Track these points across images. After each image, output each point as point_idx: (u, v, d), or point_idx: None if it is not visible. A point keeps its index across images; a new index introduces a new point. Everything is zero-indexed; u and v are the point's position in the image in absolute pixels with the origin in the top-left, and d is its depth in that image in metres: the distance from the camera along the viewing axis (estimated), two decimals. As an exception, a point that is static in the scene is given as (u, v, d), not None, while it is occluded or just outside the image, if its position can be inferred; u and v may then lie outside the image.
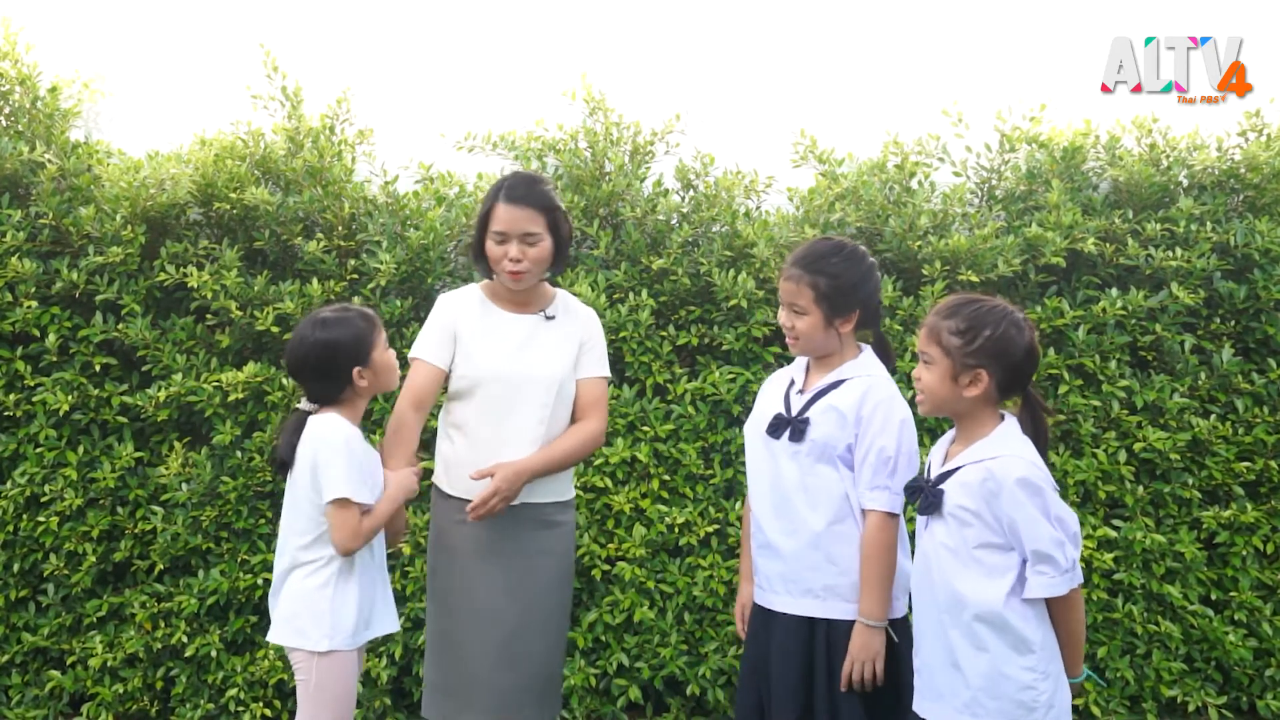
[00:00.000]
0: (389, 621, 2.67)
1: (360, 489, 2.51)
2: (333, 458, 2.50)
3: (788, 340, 2.61)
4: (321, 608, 2.52)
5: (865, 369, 2.56)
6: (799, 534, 2.53)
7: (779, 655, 2.56)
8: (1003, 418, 2.26)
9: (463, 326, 2.77)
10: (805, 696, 2.52)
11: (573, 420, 2.81)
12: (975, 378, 2.20)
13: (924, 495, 2.26)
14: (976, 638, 2.18)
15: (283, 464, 2.59)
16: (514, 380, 2.72)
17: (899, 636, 2.49)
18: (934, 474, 2.29)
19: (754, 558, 2.66)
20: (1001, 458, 2.16)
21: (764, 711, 2.60)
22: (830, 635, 2.51)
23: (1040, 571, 2.13)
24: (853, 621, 2.47)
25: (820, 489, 2.51)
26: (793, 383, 2.64)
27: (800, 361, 2.68)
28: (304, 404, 2.62)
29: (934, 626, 2.26)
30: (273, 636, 2.60)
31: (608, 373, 2.88)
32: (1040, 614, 2.17)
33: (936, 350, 2.24)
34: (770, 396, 2.67)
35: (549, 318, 2.81)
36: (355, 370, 2.57)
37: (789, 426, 2.54)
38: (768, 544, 2.59)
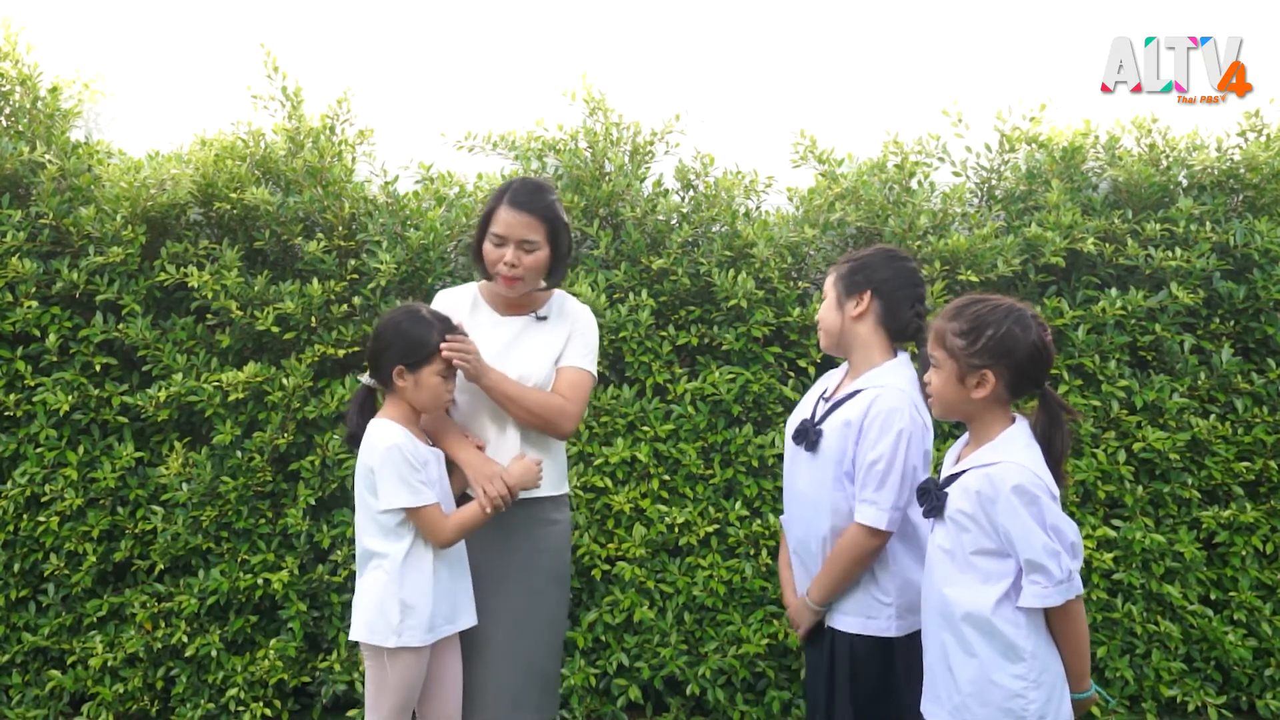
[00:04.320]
0: (468, 616, 2.68)
1: (417, 494, 2.52)
2: (381, 469, 2.53)
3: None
4: (388, 605, 2.54)
5: (882, 379, 2.49)
6: (811, 541, 2.56)
7: (809, 658, 2.66)
8: (1014, 420, 2.24)
9: None
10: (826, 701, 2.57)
11: None
12: (981, 379, 2.18)
13: (930, 498, 2.25)
14: (966, 642, 2.17)
15: (353, 437, 2.63)
16: None
17: (908, 653, 2.45)
18: (944, 477, 2.28)
19: (791, 560, 2.71)
20: (1001, 464, 2.13)
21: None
22: (835, 644, 2.52)
23: (1034, 581, 2.10)
24: (856, 635, 2.49)
25: (827, 499, 2.50)
26: (825, 390, 2.65)
27: (843, 366, 2.66)
28: (364, 378, 2.68)
29: (934, 628, 2.27)
30: (350, 633, 2.63)
31: (590, 368, 2.81)
32: (1034, 623, 2.14)
33: (942, 353, 2.22)
34: (807, 400, 2.69)
35: (540, 319, 2.79)
36: (397, 369, 2.57)
37: (807, 435, 2.55)
38: (795, 548, 2.65)
